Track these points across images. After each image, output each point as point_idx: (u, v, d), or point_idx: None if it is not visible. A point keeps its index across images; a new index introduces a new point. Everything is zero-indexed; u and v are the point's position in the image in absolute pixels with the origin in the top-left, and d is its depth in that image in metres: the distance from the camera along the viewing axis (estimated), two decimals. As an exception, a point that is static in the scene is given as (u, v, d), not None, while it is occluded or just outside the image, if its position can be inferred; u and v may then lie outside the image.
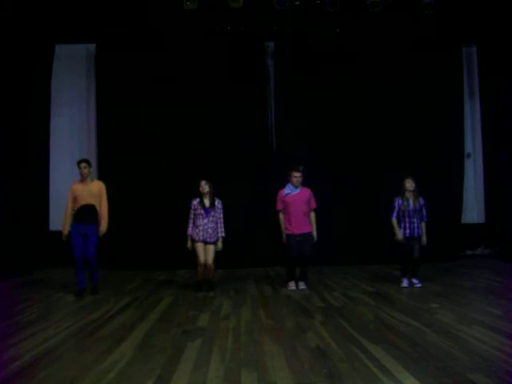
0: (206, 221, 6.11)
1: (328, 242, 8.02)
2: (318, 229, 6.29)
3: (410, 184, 6.18)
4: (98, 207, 5.98)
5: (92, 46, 8.70)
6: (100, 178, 8.50)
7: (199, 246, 6.11)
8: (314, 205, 6.31)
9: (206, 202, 6.16)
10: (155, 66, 8.44)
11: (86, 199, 5.93)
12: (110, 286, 6.50)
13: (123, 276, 7.44)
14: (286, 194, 6.20)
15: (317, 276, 7.05)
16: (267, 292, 6.09)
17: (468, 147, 9.05)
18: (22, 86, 8.02)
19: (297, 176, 6.17)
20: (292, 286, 6.22)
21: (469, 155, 9.07)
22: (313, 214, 6.31)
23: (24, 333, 4.16)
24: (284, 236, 6.25)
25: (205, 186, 6.14)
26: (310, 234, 6.19)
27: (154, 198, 8.05)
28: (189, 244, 6.16)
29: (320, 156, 8.34)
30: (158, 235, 8.07)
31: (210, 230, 6.11)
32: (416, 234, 6.17)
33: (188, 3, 7.80)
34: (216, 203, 6.19)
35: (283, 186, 6.30)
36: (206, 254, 6.10)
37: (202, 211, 6.12)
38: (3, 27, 7.57)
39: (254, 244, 8.18)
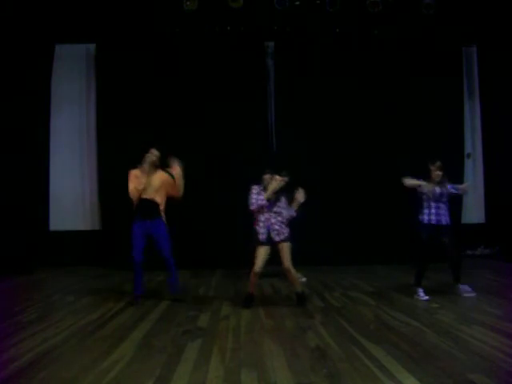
0: (267, 215, 5.04)
1: (328, 242, 8.02)
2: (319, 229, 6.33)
3: (436, 175, 5.40)
4: (159, 202, 5.30)
5: (92, 46, 8.69)
6: (100, 177, 8.53)
7: (262, 251, 5.03)
8: None
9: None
10: (155, 66, 8.43)
11: (148, 193, 5.25)
12: (109, 286, 6.49)
13: (123, 276, 7.43)
14: None
15: (317, 276, 7.05)
16: (267, 292, 6.09)
17: (468, 147, 9.05)
18: (22, 86, 8.02)
19: None
20: None
21: (469, 155, 9.06)
22: None
23: (24, 333, 4.16)
24: None
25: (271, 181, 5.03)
26: None
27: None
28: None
29: (320, 156, 8.34)
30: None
31: (276, 226, 5.04)
32: (444, 222, 5.40)
33: (188, 3, 7.80)
34: (281, 195, 5.13)
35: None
36: (282, 255, 5.02)
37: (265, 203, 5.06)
38: (3, 27, 7.58)
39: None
